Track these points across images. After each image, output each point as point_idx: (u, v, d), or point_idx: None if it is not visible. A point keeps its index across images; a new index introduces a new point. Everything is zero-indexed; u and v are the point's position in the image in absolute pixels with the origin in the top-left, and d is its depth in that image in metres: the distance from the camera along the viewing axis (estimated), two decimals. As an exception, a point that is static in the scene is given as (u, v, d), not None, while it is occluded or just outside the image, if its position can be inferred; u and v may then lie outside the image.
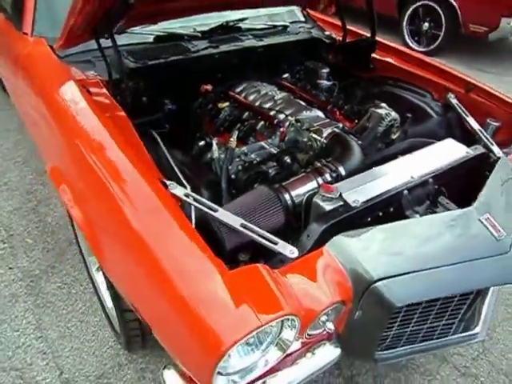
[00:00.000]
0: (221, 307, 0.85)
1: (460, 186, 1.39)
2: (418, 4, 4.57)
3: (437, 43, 4.53)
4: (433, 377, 1.55)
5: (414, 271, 1.03)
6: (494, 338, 1.69)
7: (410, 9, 4.64)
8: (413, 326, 1.15)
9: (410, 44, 4.71)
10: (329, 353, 1.09)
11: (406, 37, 4.78)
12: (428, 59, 2.02)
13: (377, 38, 2.07)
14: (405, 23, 4.74)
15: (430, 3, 4.46)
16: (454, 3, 4.25)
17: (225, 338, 0.81)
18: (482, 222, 1.14)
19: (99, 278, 1.64)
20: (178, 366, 1.02)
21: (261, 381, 0.99)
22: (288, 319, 0.89)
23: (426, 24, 4.59)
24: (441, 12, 4.39)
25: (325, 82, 2.08)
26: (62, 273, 1.92)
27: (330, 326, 1.01)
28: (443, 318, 1.16)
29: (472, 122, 1.66)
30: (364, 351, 1.17)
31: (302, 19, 2.39)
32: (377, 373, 1.55)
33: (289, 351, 0.99)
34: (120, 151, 1.15)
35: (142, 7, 1.40)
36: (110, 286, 1.27)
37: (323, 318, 1.01)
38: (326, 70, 2.08)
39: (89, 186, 1.19)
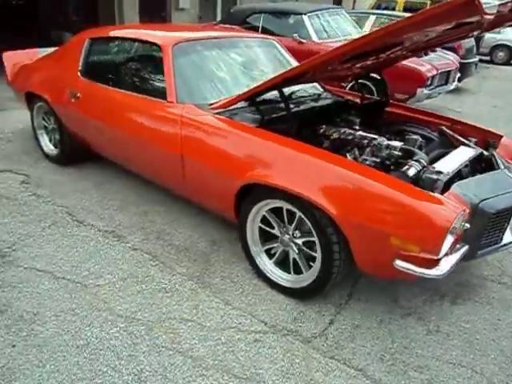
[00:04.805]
0: (435, 205, 1.79)
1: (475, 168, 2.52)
2: (354, 83, 6.19)
3: (372, 108, 6.12)
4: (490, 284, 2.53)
5: (496, 195, 2.07)
6: None
7: (349, 85, 6.25)
8: (490, 234, 2.16)
9: (352, 110, 6.23)
10: (462, 248, 2.03)
11: (348, 105, 6.32)
12: (424, 109, 3.27)
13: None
14: (346, 96, 6.30)
15: (363, 81, 6.10)
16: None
17: (448, 215, 1.73)
18: (507, 175, 2.25)
19: (264, 259, 2.41)
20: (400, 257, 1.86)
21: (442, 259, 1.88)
22: (462, 212, 1.82)
23: (362, 95, 6.19)
24: (372, 87, 6.05)
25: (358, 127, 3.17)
26: (217, 271, 2.54)
27: (467, 225, 1.96)
28: (504, 227, 2.19)
29: (461, 139, 2.86)
30: (471, 251, 2.12)
31: (321, 90, 3.54)
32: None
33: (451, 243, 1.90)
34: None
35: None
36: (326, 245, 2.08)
37: (462, 223, 1.95)
38: (358, 119, 3.19)
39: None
